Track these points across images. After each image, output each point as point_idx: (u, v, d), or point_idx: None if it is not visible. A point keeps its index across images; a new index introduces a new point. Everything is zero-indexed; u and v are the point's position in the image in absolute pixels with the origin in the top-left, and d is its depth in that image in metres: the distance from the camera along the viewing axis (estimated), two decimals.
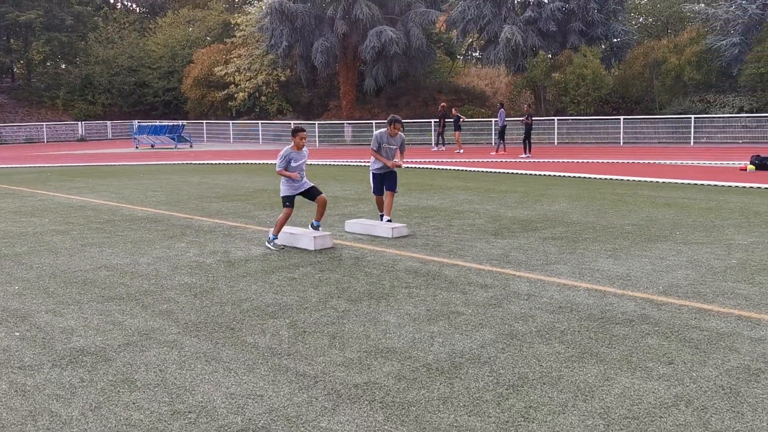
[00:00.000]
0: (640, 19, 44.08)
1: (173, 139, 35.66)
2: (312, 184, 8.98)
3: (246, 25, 43.97)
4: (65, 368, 4.65)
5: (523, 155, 23.85)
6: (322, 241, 8.61)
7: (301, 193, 8.88)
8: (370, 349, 4.91)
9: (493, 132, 30.60)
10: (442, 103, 29.38)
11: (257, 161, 24.99)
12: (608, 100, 33.37)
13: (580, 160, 22.37)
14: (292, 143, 8.79)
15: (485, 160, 23.17)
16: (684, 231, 9.36)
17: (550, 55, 34.60)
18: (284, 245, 8.74)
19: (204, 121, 42.24)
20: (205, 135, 41.23)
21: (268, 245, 8.72)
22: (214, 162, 24.95)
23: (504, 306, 5.94)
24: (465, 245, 8.63)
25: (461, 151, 26.57)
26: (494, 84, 44.80)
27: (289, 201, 8.73)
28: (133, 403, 4.07)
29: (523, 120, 24.37)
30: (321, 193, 8.96)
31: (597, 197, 13.10)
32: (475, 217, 10.83)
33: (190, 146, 35.63)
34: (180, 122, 37.81)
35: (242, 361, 4.71)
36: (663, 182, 15.62)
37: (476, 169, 20.07)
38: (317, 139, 35.09)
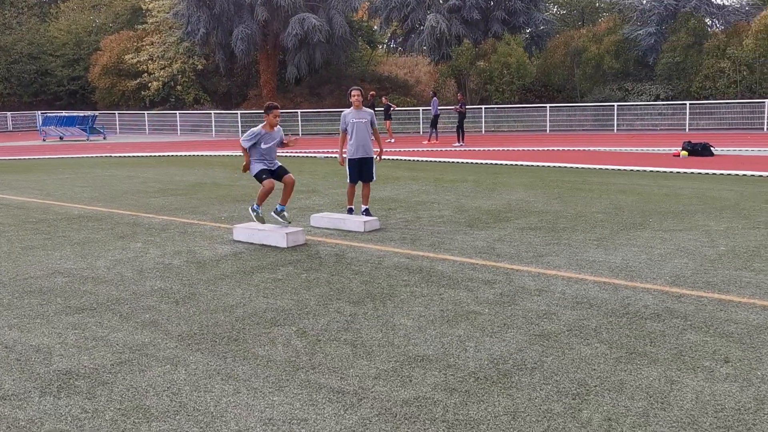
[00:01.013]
0: (554, 9, 44.94)
1: (85, 130, 33.79)
2: (280, 165, 8.45)
3: (158, 11, 42.21)
4: (59, 396, 3.99)
5: (457, 144, 23.76)
6: (294, 238, 8.07)
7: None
8: (401, 358, 4.47)
9: (421, 121, 30.48)
10: (371, 92, 28.94)
11: (183, 153, 23.95)
12: (531, 88, 33.81)
13: (514, 148, 22.47)
14: (265, 122, 8.20)
15: (420, 149, 22.94)
16: (656, 218, 9.32)
17: (473, 44, 34.73)
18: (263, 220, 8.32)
19: (116, 112, 40.29)
20: (117, 126, 39.33)
21: (251, 213, 8.44)
22: (135, 155, 23.71)
23: (519, 303, 5.61)
24: (444, 238, 8.27)
25: (392, 140, 26.26)
26: (413, 73, 44.76)
27: (264, 174, 8.18)
28: None
29: (456, 108, 24.25)
30: (289, 172, 8.43)
31: (550, 185, 13.02)
32: (440, 208, 10.50)
33: (104, 138, 33.88)
34: (92, 113, 35.87)
35: (264, 378, 4.18)
36: (607, 169, 15.75)
37: (415, 158, 19.79)
38: (240, 129, 34.02)
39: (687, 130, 27.89)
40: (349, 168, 9.30)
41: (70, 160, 21.70)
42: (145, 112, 39.18)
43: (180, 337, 4.97)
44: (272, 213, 8.48)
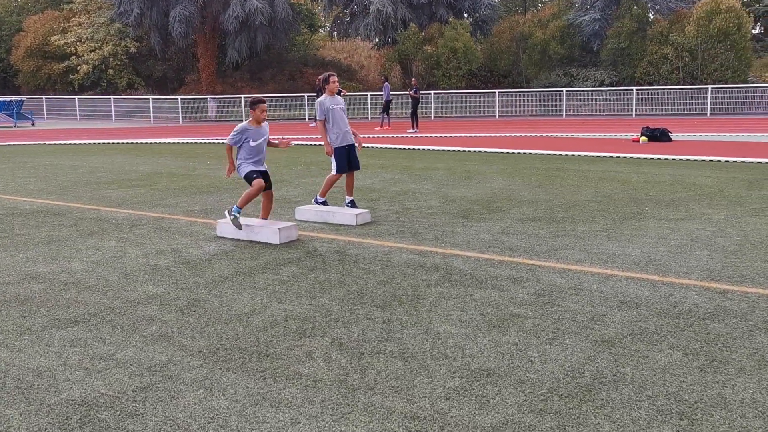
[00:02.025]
0: None
1: (11, 116, 31.97)
2: (267, 172, 7.81)
3: None
4: None
5: (411, 130, 23.36)
6: (287, 233, 7.48)
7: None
8: (464, 373, 4.01)
9: (369, 106, 29.95)
10: (319, 77, 28.22)
11: (124, 140, 22.79)
12: (477, 73, 33.64)
13: (470, 134, 22.21)
14: (251, 117, 7.57)
15: (374, 136, 22.44)
16: (650, 207, 9.11)
17: (419, 28, 34.30)
18: (241, 224, 7.55)
19: (43, 97, 38.25)
20: (45, 112, 37.37)
21: (228, 216, 7.59)
22: (72, 142, 22.42)
23: (560, 304, 5.21)
24: (445, 231, 7.83)
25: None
26: (353, 57, 44.08)
27: (255, 174, 7.54)
28: None
29: (410, 93, 23.82)
30: (271, 186, 7.81)
31: (526, 173, 12.74)
32: (425, 198, 10.06)
33: (32, 124, 32.12)
34: (19, 97, 33.93)
35: (320, 403, 3.65)
36: (576, 155, 15.60)
37: (373, 145, 19.30)
38: (180, 115, 32.76)
39: (634, 115, 28.23)
40: (337, 157, 8.74)
41: (1, 149, 20.33)
42: (76, 96, 37.32)
43: (201, 353, 4.37)
44: (226, 211, 7.78)
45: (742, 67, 29.23)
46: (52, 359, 4.31)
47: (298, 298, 5.49)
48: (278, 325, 4.86)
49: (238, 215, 7.52)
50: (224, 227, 7.77)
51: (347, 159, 8.74)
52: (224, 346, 4.49)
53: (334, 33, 46.79)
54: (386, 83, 25.11)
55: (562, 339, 4.51)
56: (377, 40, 34.48)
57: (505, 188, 10.88)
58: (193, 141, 22.58)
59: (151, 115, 33.52)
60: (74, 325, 4.93)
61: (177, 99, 33.23)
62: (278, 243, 7.34)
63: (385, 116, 24.93)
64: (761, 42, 38.55)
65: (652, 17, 32.28)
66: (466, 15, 34.61)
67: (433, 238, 7.51)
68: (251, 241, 7.49)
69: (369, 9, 32.14)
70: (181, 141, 22.67)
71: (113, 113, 34.90)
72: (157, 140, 22.95)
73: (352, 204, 8.96)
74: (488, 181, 11.67)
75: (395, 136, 22.45)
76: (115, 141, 22.46)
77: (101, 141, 22.44)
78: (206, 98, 33.28)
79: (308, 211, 8.71)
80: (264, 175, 7.69)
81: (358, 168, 8.96)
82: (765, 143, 18.18)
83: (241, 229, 7.52)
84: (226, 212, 7.72)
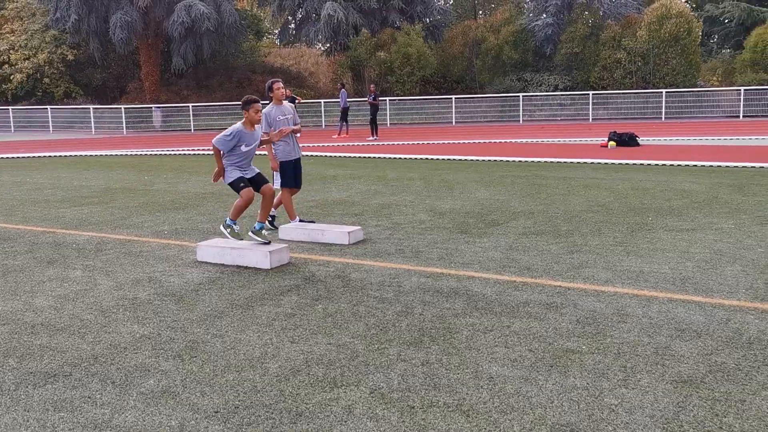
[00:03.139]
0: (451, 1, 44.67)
1: None
2: (258, 171, 7.10)
3: None
4: None
5: (371, 138, 22.74)
6: (279, 257, 6.74)
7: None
8: (541, 429, 3.38)
9: (323, 114, 29.22)
10: (288, 90, 27.34)
11: (66, 153, 21.51)
12: (430, 79, 33.22)
13: (432, 142, 21.73)
14: (244, 119, 6.82)
15: (334, 145, 21.74)
16: (653, 217, 8.68)
17: (371, 34, 33.75)
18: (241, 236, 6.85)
19: None
20: None
21: (224, 231, 6.91)
22: (10, 156, 21.04)
23: (611, 334, 4.64)
24: (448, 249, 7.21)
25: (298, 134, 24.83)
26: (300, 64, 43.25)
27: (243, 182, 6.80)
28: None
29: (369, 100, 23.18)
30: (268, 181, 7.11)
31: (506, 182, 12.24)
32: (413, 212, 9.43)
33: None
34: None
35: None
36: (549, 162, 15.21)
37: (335, 154, 18.60)
38: (124, 125, 31.38)
39: (591, 120, 28.22)
40: (284, 172, 8.06)
41: None
42: (9, 107, 35.45)
43: (218, 414, 3.63)
44: (249, 233, 7.11)
45: (692, 71, 29.59)
46: (35, 429, 3.51)
47: (312, 335, 4.78)
48: (300, 373, 4.15)
49: (234, 226, 6.80)
50: (206, 251, 6.98)
51: (294, 174, 8.10)
52: (244, 403, 3.75)
53: (281, 39, 45.88)
54: (343, 90, 24.44)
55: (636, 380, 3.92)
56: (323, 47, 33.74)
57: (492, 199, 10.34)
58: (142, 153, 21.48)
59: (93, 125, 32.01)
60: (54, 381, 4.12)
61: (120, 108, 31.79)
62: (269, 267, 6.60)
63: (344, 124, 24.25)
64: (704, 46, 39.32)
65: (604, 22, 32.43)
66: (417, 20, 34.19)
67: (438, 257, 6.88)
68: (238, 266, 6.73)
69: (320, 14, 31.40)
70: (128, 153, 21.55)
71: (51, 124, 33.22)
72: (103, 152, 21.76)
73: (272, 222, 8.37)
74: (471, 192, 11.12)
75: (355, 144, 21.79)
76: (57, 154, 21.20)
77: (42, 154, 21.15)
78: (151, 107, 31.94)
79: (294, 230, 7.98)
80: (256, 177, 6.99)
81: (299, 187, 8.32)
82: (730, 146, 18.20)
83: (241, 240, 6.82)
84: (221, 227, 7.00)
